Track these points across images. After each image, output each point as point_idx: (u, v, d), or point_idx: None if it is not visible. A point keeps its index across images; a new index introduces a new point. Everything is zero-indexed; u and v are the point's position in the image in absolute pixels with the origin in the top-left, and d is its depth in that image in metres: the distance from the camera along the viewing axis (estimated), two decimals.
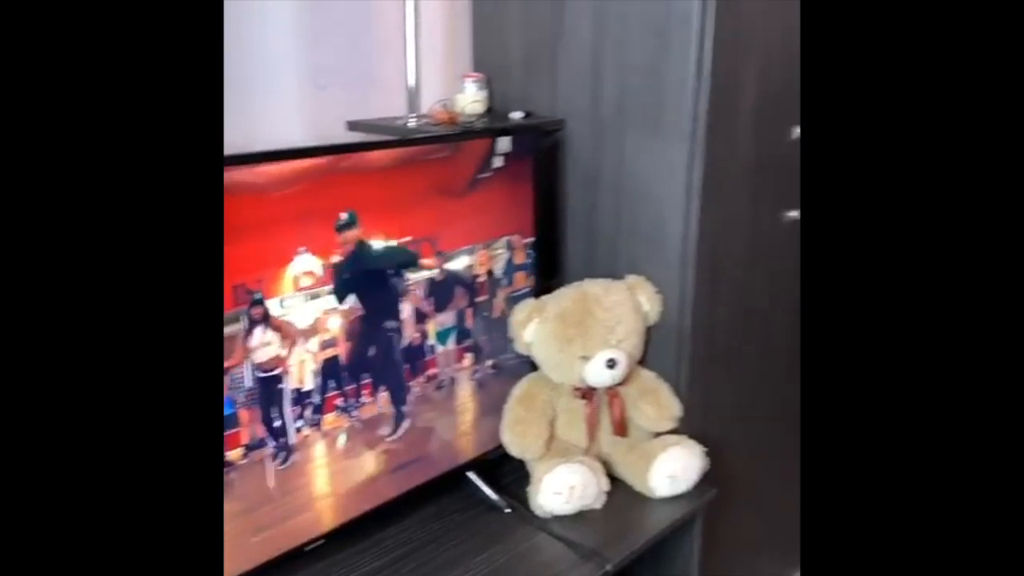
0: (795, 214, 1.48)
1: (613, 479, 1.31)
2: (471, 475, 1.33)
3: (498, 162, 1.26)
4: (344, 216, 1.07)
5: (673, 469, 1.29)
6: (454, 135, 1.26)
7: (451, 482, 1.31)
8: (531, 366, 1.36)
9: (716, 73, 1.23)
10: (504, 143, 1.27)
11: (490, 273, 1.29)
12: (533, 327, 1.31)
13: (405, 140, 1.17)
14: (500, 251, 1.30)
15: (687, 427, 1.35)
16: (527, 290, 1.35)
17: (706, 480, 1.33)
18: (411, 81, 1.43)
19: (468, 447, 1.32)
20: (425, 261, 1.19)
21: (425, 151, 1.17)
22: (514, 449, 1.31)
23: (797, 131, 1.44)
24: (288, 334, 1.04)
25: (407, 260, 1.17)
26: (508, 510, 1.28)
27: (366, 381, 1.15)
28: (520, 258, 1.33)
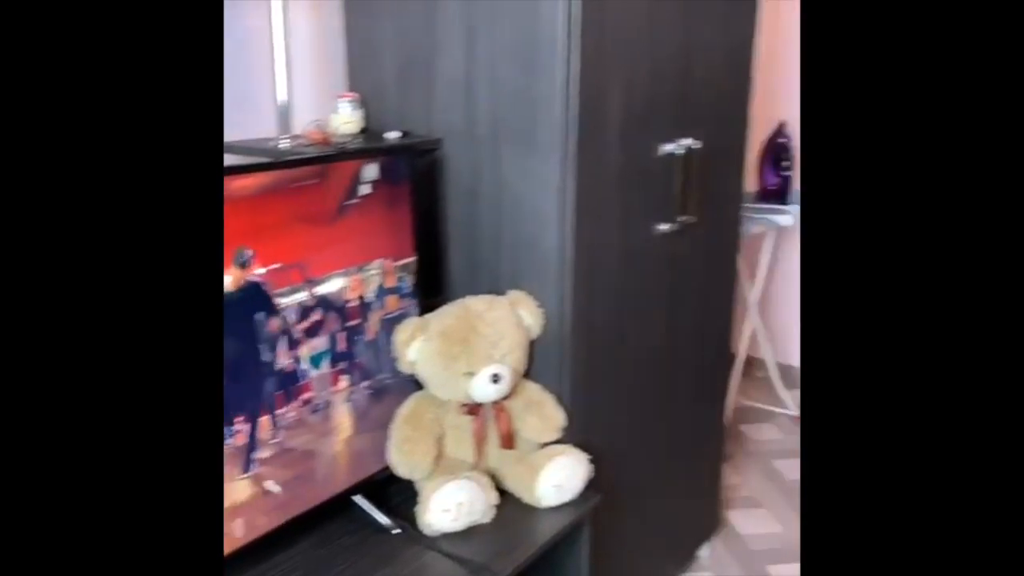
0: (665, 227, 1.54)
1: (503, 492, 1.33)
2: (357, 498, 1.31)
3: (373, 184, 1.26)
4: (248, 252, 1.09)
5: (559, 479, 1.32)
6: (331, 156, 1.24)
7: (337, 507, 1.29)
8: (415, 385, 1.35)
9: (583, 92, 1.27)
10: (378, 164, 1.26)
11: (362, 297, 1.28)
12: (417, 345, 1.31)
13: (282, 162, 1.15)
14: (374, 273, 1.29)
15: (571, 436, 1.39)
16: (400, 312, 1.35)
17: (591, 487, 1.37)
18: (281, 99, 1.41)
19: (352, 470, 1.30)
20: (291, 288, 1.17)
21: (298, 174, 1.15)
22: (402, 469, 1.31)
23: (664, 147, 1.51)
24: None
25: (274, 287, 1.14)
26: (397, 531, 1.26)
27: (239, 409, 1.11)
28: (391, 281, 1.33)
